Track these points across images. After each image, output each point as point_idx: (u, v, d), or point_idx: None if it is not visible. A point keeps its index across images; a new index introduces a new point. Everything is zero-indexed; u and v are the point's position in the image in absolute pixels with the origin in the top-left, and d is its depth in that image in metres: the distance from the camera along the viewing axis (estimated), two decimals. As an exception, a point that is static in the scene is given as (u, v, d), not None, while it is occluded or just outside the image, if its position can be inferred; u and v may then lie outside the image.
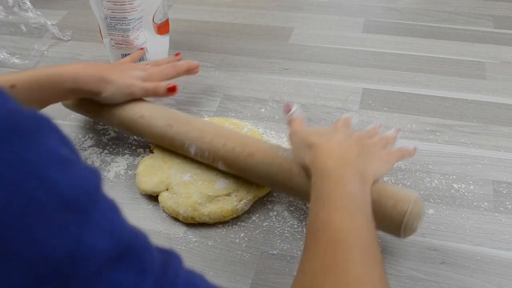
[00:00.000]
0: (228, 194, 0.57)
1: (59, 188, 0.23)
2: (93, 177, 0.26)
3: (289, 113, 0.56)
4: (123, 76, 0.62)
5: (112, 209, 0.27)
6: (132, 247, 0.27)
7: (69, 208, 0.24)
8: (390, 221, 0.47)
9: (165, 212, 0.58)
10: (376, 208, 0.47)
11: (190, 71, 0.70)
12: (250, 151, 0.55)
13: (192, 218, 0.56)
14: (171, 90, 0.65)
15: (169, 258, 0.30)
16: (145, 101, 0.66)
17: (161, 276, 0.28)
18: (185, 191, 0.57)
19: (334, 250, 0.39)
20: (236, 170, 0.57)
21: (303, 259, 0.41)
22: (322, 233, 0.41)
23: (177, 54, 0.73)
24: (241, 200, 0.57)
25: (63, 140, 0.26)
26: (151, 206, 0.59)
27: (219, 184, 0.58)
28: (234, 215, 0.57)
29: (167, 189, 0.59)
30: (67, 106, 0.69)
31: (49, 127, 0.25)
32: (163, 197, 0.58)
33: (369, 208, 0.44)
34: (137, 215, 0.58)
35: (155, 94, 0.65)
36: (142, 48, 0.76)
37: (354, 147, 0.49)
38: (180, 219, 0.57)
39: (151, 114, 0.62)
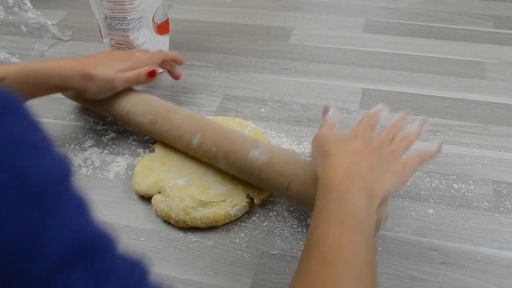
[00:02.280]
0: (223, 201, 0.56)
1: (24, 175, 0.22)
2: (62, 168, 0.25)
3: (325, 116, 0.53)
4: (106, 70, 0.62)
5: (78, 205, 0.26)
6: (94, 249, 0.25)
7: (32, 197, 0.22)
8: None
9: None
10: None
11: (177, 60, 0.72)
12: (225, 152, 0.57)
13: (184, 222, 0.56)
14: (151, 75, 0.65)
15: (135, 268, 0.28)
16: (133, 91, 0.67)
17: (122, 285, 0.26)
18: (178, 194, 0.57)
19: (326, 269, 0.38)
20: (215, 167, 0.59)
21: (296, 274, 0.40)
22: (317, 249, 0.40)
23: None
24: (234, 206, 0.56)
25: (33, 124, 0.24)
26: (150, 206, 0.59)
27: (214, 191, 0.57)
28: (227, 220, 0.56)
29: (160, 192, 0.58)
30: (67, 95, 0.72)
31: (17, 110, 0.24)
32: (156, 200, 0.58)
33: (372, 227, 0.43)
34: (137, 215, 0.58)
35: (137, 82, 0.65)
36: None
37: (368, 158, 0.46)
38: (172, 222, 0.56)
39: (136, 111, 0.64)
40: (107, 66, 0.63)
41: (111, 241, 0.27)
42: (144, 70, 0.65)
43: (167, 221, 0.57)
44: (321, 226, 0.41)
